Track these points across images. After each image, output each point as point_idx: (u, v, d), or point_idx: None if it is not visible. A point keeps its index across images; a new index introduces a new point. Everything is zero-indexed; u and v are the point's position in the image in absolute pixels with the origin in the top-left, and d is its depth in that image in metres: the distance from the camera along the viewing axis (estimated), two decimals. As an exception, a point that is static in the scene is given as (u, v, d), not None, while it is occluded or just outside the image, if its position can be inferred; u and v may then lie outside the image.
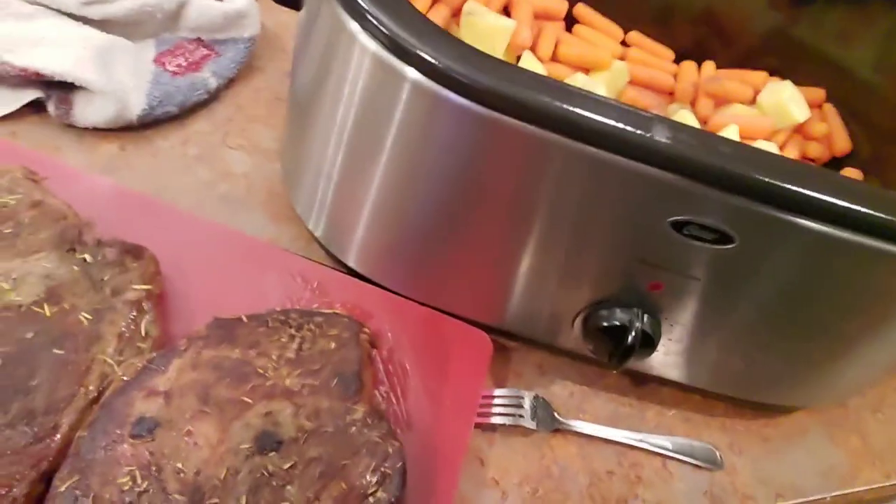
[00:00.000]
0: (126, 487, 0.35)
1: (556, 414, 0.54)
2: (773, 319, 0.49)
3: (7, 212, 0.44)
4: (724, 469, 0.56)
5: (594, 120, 0.40)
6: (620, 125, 0.40)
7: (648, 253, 0.45)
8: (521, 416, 0.53)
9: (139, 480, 0.36)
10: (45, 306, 0.41)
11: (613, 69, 0.61)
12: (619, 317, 0.49)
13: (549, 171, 0.43)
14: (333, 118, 0.48)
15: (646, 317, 0.49)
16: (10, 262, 0.43)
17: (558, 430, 0.54)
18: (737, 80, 0.65)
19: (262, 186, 0.62)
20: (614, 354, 0.50)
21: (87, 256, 0.44)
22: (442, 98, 0.40)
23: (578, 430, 0.54)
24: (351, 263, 0.55)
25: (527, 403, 0.54)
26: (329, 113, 0.48)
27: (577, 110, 0.40)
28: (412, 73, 0.40)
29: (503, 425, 0.53)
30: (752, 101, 0.65)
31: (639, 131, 0.40)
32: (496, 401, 0.53)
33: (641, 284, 0.47)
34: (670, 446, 0.55)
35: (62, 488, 0.35)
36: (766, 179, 0.40)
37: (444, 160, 0.45)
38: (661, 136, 0.40)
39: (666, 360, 0.54)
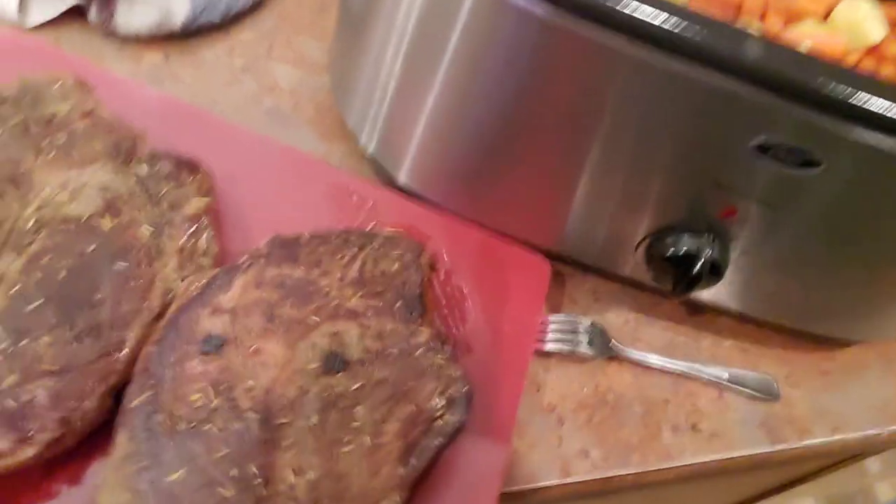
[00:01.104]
0: (198, 404, 0.35)
1: (612, 341, 0.53)
2: (847, 250, 0.47)
3: (59, 121, 0.43)
4: (781, 401, 0.55)
5: (684, 32, 0.37)
6: (712, 39, 0.37)
7: (726, 177, 0.43)
8: (577, 342, 0.52)
9: (211, 397, 0.35)
10: (104, 219, 0.40)
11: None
12: (687, 244, 0.47)
13: (628, 86, 0.40)
14: (393, 24, 0.45)
15: (715, 245, 0.47)
16: (65, 173, 0.41)
17: (613, 357, 0.53)
18: (810, -5, 0.60)
19: (310, 102, 0.59)
20: (679, 283, 0.48)
21: (143, 169, 0.43)
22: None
23: (634, 358, 0.53)
24: (403, 179, 0.53)
25: (583, 330, 0.53)
26: (388, 18, 0.45)
27: (666, 18, 0.37)
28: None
29: (559, 352, 0.52)
30: (826, 17, 0.61)
31: (731, 45, 0.37)
32: (552, 326, 0.52)
33: (714, 210, 0.45)
34: (726, 376, 0.55)
35: (134, 404, 0.35)
36: (867, 105, 0.37)
37: (512, 69, 0.42)
38: (755, 53, 0.37)
39: (727, 289, 0.52)
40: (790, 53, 0.38)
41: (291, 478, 0.35)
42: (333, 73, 0.58)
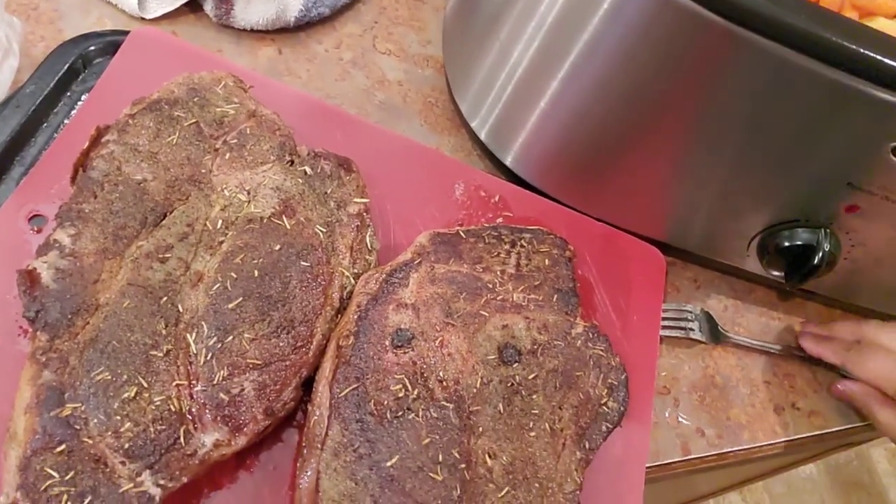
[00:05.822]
0: (400, 395, 0.37)
1: (719, 326, 0.56)
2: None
3: (229, 121, 0.44)
4: (866, 380, 0.59)
5: (832, 36, 0.39)
6: (863, 46, 0.39)
7: (858, 176, 0.46)
8: (689, 329, 0.55)
9: (410, 388, 0.38)
10: (283, 219, 0.42)
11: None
12: (805, 237, 0.50)
13: (774, 87, 0.42)
14: (532, 11, 0.47)
15: (831, 238, 0.50)
16: (241, 174, 0.43)
17: (717, 341, 0.56)
18: (885, -8, 0.63)
19: (418, 94, 0.61)
20: (793, 274, 0.51)
21: (308, 169, 0.44)
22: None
23: (739, 342, 0.56)
24: (510, 163, 0.55)
25: (692, 317, 0.56)
26: (527, 6, 0.47)
27: (822, 26, 0.39)
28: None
29: (669, 337, 0.55)
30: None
31: (883, 52, 0.40)
32: (665, 314, 0.55)
33: (838, 206, 0.48)
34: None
35: (343, 393, 0.37)
36: None
37: (647, 60, 0.43)
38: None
39: (828, 277, 0.56)
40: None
41: (488, 461, 0.37)
42: (449, 59, 0.59)
